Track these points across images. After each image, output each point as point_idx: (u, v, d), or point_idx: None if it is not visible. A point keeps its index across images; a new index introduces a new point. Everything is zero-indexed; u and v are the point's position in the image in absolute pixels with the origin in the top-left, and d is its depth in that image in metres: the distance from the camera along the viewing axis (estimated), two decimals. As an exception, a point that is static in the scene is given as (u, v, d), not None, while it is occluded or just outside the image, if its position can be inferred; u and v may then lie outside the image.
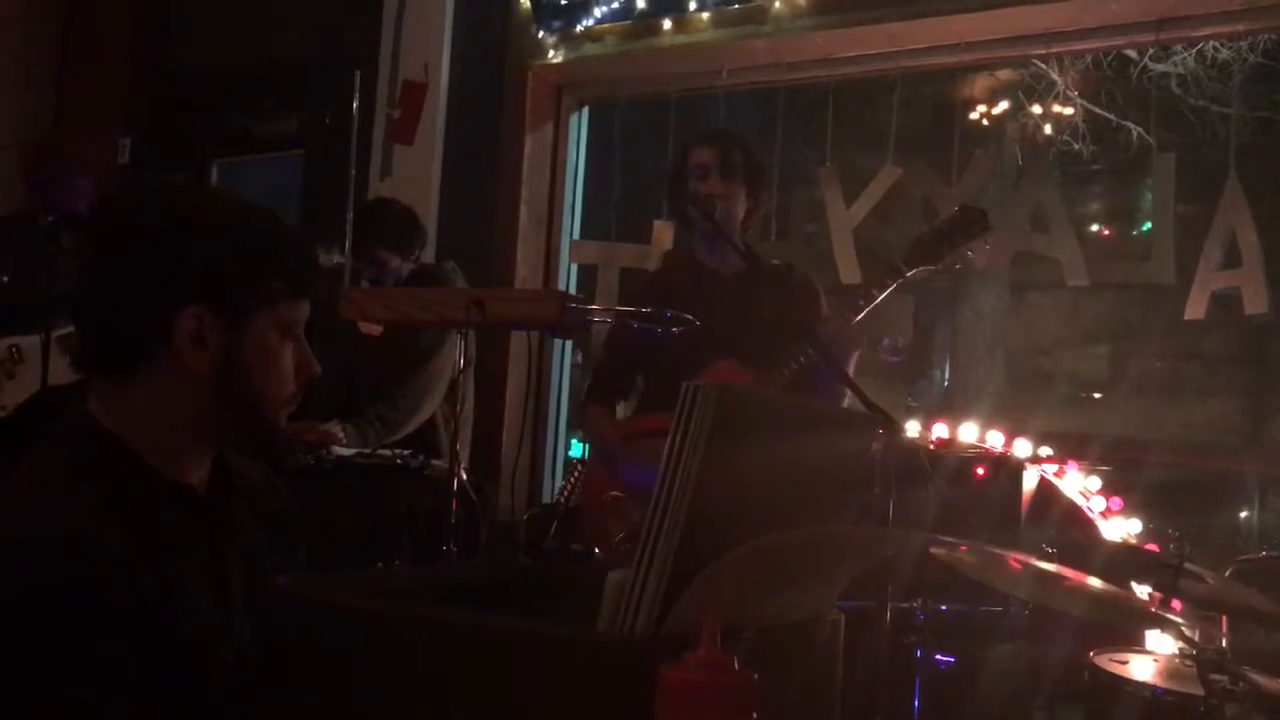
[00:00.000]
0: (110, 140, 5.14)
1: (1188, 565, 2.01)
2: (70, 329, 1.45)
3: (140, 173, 5.16)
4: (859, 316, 2.80)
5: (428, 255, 3.87)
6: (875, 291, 2.79)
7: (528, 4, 4.41)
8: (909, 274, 2.78)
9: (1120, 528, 3.37)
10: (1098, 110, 6.87)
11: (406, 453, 3.24)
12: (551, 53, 4.41)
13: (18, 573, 1.15)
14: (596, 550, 2.71)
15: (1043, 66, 6.41)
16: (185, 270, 1.30)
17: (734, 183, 2.94)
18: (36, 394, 1.39)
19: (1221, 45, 5.91)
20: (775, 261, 3.09)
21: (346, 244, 3.82)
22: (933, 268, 2.78)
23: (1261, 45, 5.64)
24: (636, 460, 2.82)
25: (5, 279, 3.40)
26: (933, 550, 1.59)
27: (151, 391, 1.31)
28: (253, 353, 1.34)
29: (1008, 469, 3.36)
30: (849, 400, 2.41)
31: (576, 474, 3.40)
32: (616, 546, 2.76)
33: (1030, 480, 3.38)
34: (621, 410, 3.16)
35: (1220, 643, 2.09)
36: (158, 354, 1.30)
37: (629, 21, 4.25)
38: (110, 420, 1.31)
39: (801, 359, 2.71)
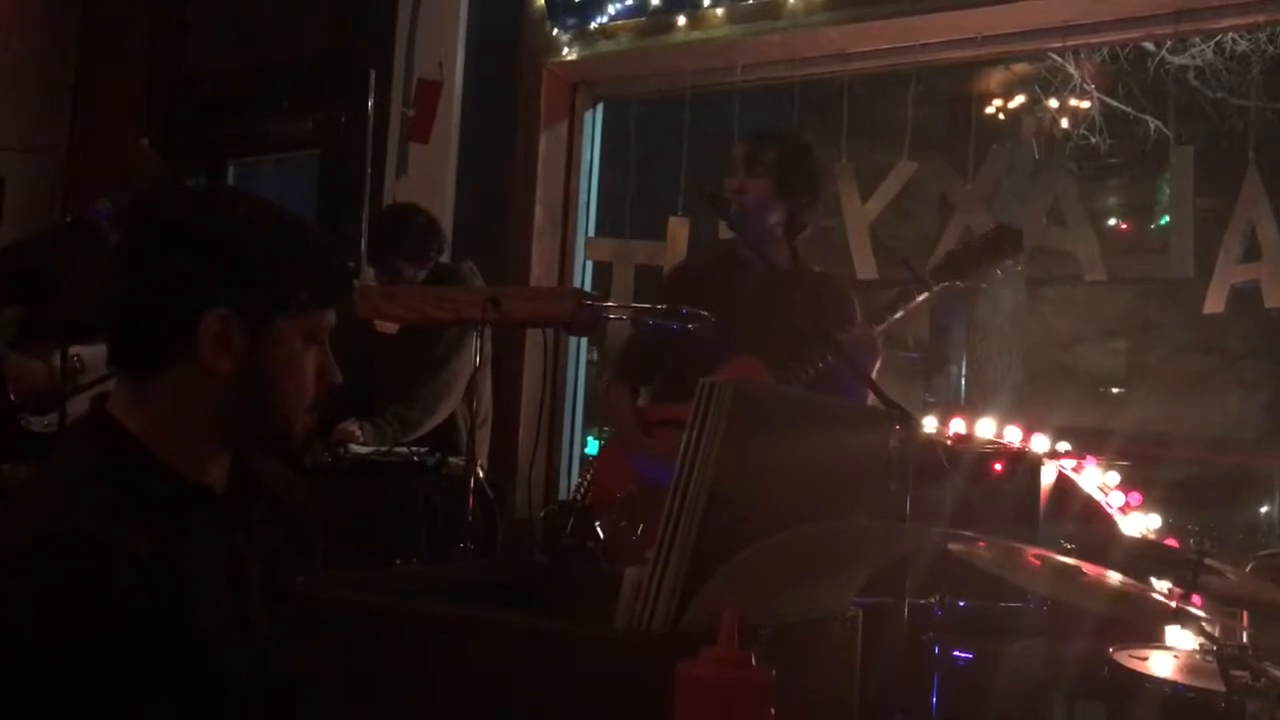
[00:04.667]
0: (126, 143, 5.16)
1: (1208, 560, 2.00)
2: None
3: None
4: (882, 326, 2.79)
5: (444, 255, 3.87)
6: (901, 303, 2.79)
7: (542, 1, 4.41)
8: (936, 288, 2.78)
9: (1139, 523, 3.35)
10: (1115, 103, 6.84)
11: (424, 450, 3.24)
12: (566, 50, 4.41)
13: (35, 573, 1.15)
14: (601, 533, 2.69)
15: (1059, 60, 6.39)
16: (213, 271, 1.30)
17: (759, 180, 2.88)
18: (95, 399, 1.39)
19: (1240, 37, 5.88)
20: (817, 269, 3.06)
21: (362, 243, 3.82)
22: (960, 284, 2.80)
23: (1281, 37, 5.61)
24: (652, 455, 2.81)
25: (64, 284, 3.37)
26: (950, 546, 1.58)
27: (172, 391, 1.32)
28: (275, 358, 1.34)
29: (1026, 464, 3.34)
30: (870, 402, 2.41)
31: (592, 471, 3.40)
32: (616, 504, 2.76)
33: (1048, 476, 3.37)
34: (643, 398, 3.15)
35: (1241, 638, 2.07)
36: (181, 354, 1.30)
37: (643, 18, 4.24)
38: (129, 420, 1.32)
39: (820, 364, 2.70)
